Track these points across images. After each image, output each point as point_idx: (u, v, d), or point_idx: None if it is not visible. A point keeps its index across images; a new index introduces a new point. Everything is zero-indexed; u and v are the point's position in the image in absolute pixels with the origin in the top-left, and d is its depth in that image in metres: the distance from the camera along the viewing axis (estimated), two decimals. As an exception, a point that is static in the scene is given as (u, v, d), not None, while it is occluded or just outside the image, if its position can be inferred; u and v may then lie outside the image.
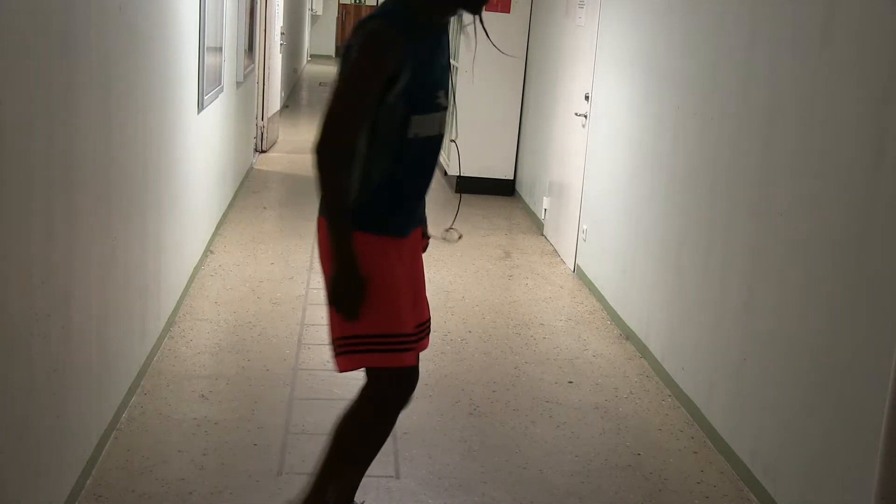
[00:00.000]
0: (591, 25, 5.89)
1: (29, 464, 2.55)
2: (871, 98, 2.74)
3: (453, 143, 2.91)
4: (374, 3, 22.93)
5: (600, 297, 5.35)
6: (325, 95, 2.29)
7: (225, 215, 6.60)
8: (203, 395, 3.79)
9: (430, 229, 2.88)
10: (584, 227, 5.80)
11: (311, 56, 21.12)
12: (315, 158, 2.38)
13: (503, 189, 8.29)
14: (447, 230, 3.17)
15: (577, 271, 5.92)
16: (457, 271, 5.84)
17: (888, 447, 2.43)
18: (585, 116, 5.92)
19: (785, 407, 3.16)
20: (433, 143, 2.55)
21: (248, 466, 3.27)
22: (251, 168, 8.53)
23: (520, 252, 6.48)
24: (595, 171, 5.70)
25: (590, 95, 5.86)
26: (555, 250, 6.52)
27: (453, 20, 2.85)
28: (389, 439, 3.53)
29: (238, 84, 7.14)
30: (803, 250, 3.09)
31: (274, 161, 9.08)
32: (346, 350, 2.55)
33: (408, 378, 2.68)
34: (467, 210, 7.58)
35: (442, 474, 3.33)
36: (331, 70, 19.43)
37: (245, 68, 7.43)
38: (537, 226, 7.18)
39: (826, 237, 2.95)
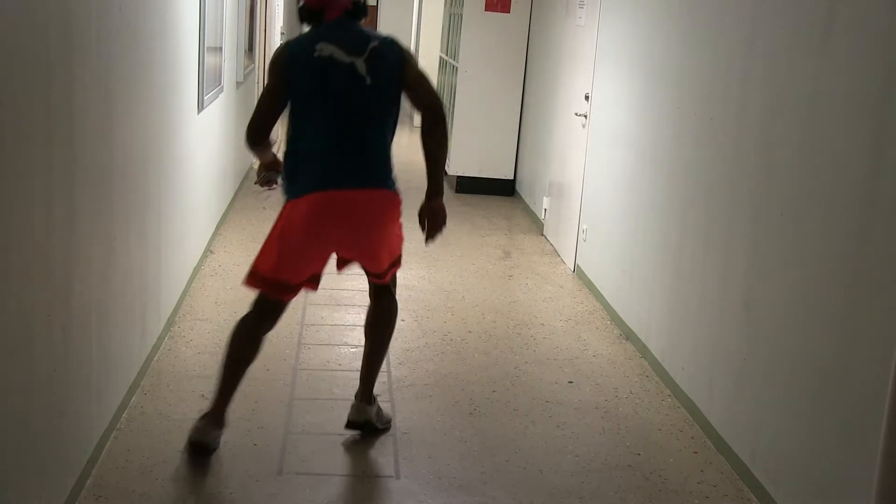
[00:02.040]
0: (591, 25, 5.89)
1: (29, 464, 2.55)
2: (871, 98, 2.74)
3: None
4: (375, 4, 22.93)
5: (600, 297, 5.35)
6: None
7: (225, 215, 6.60)
8: (203, 395, 3.78)
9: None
10: (584, 227, 5.80)
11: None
12: (442, 121, 3.26)
13: (503, 189, 8.29)
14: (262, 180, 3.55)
15: (577, 271, 5.92)
16: (457, 271, 5.84)
17: (888, 447, 2.43)
18: (585, 116, 5.92)
19: (785, 407, 3.16)
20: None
21: (248, 466, 3.27)
22: (251, 168, 8.52)
23: (520, 252, 6.47)
24: (595, 171, 5.70)
25: (590, 95, 5.86)
26: (555, 250, 6.52)
27: None
28: (389, 439, 3.54)
29: (238, 84, 7.14)
30: (803, 250, 3.09)
31: (274, 161, 9.06)
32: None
33: (258, 306, 3.35)
34: (467, 210, 7.58)
35: (442, 474, 3.33)
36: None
37: (245, 68, 7.43)
38: (537, 226, 7.18)
39: (826, 237, 2.95)
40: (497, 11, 7.93)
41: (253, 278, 3.31)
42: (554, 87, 6.93)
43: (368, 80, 3.19)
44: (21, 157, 2.37)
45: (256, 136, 3.29)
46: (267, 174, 3.47)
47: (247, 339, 3.33)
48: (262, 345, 3.38)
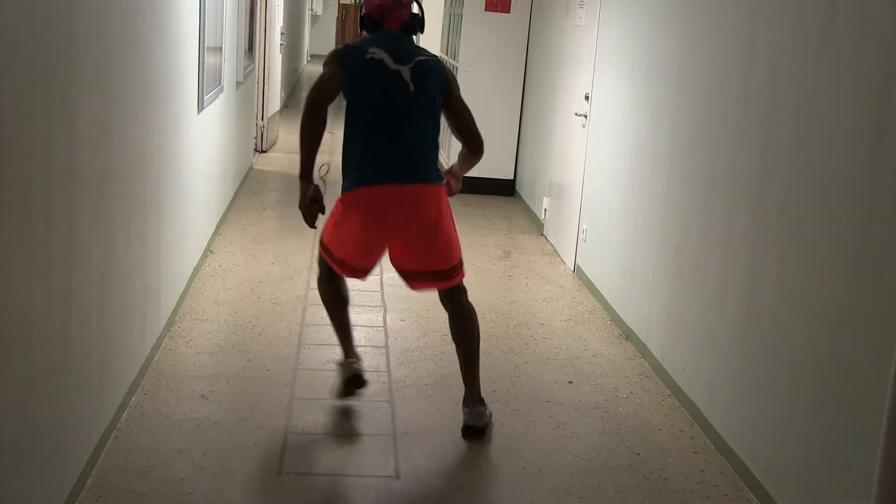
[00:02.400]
0: (591, 25, 5.89)
1: (29, 464, 2.55)
2: (871, 97, 2.74)
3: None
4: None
5: (600, 297, 5.35)
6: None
7: (225, 215, 6.60)
8: (203, 395, 3.79)
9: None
10: (584, 227, 5.80)
11: (311, 56, 21.12)
12: (481, 154, 3.71)
13: (503, 189, 8.29)
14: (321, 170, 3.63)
15: (577, 271, 5.92)
16: (457, 271, 5.83)
17: (888, 447, 2.43)
18: (585, 116, 5.93)
19: (785, 407, 3.16)
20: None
21: (248, 466, 3.27)
22: (251, 168, 8.53)
23: (520, 252, 6.48)
24: (595, 171, 5.70)
25: (590, 95, 5.86)
26: (555, 250, 6.52)
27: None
28: (389, 439, 3.54)
29: (238, 84, 7.14)
30: (803, 250, 3.09)
31: (274, 161, 9.08)
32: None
33: (322, 267, 3.77)
34: (467, 210, 7.58)
35: (442, 474, 3.33)
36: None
37: (245, 68, 7.44)
38: (537, 226, 7.18)
39: (826, 237, 2.95)
40: (497, 11, 7.94)
41: (320, 245, 3.70)
42: (554, 87, 6.93)
43: (412, 87, 3.49)
44: (21, 157, 2.37)
45: (315, 102, 3.41)
46: (311, 206, 3.44)
47: (329, 293, 3.77)
48: (346, 285, 3.80)
